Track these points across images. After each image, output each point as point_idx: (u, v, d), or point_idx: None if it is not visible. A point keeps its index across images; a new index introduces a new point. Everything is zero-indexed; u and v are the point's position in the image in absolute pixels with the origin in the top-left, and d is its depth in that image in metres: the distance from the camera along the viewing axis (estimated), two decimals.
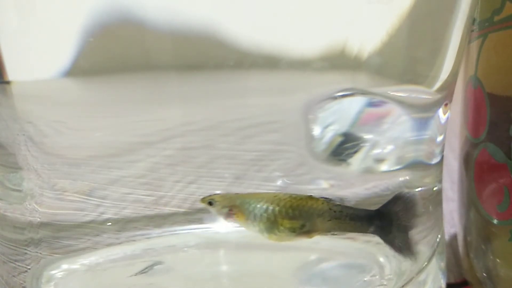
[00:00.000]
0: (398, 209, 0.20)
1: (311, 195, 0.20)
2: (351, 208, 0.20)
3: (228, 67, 0.19)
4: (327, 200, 0.20)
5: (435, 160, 0.23)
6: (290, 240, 0.20)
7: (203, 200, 0.21)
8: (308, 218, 0.20)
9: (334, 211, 0.20)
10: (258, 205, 0.20)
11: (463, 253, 0.26)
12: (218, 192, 0.22)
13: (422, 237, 0.23)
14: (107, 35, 0.19)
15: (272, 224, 0.20)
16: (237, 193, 0.21)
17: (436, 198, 0.24)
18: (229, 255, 0.23)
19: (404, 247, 0.21)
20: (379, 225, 0.20)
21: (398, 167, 0.22)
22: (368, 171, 0.22)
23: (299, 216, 0.20)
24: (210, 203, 0.21)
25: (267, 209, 0.20)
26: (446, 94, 0.22)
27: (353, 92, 0.21)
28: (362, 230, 0.20)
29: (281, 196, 0.20)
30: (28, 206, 0.22)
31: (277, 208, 0.20)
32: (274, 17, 0.19)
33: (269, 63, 0.19)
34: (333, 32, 0.20)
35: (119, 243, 0.22)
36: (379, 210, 0.20)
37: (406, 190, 0.22)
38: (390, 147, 0.22)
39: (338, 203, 0.20)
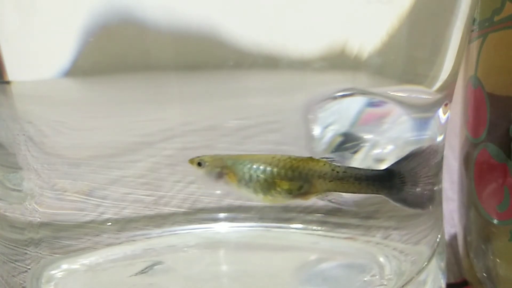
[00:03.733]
0: (413, 165, 0.20)
1: (311, 157, 0.20)
2: (356, 168, 0.20)
3: (228, 67, 0.19)
4: (329, 161, 0.19)
5: (435, 160, 0.23)
6: (285, 201, 0.20)
7: (191, 160, 0.20)
8: (307, 180, 0.19)
9: (337, 172, 0.19)
10: (254, 166, 0.20)
11: (463, 253, 0.26)
12: (218, 191, 0.22)
13: (422, 237, 0.23)
14: (107, 35, 0.19)
15: (269, 185, 0.19)
16: (229, 154, 0.20)
17: (436, 198, 0.24)
18: (229, 255, 0.23)
19: (418, 201, 0.20)
20: (388, 185, 0.20)
21: None
22: None
23: (298, 177, 0.19)
24: (200, 164, 0.20)
25: (264, 170, 0.19)
26: (446, 94, 0.22)
27: (353, 92, 0.21)
28: (368, 190, 0.20)
29: (279, 157, 0.20)
30: (28, 206, 0.22)
31: (275, 169, 0.19)
32: (274, 17, 0.19)
33: (269, 63, 0.19)
34: (333, 32, 0.20)
35: (119, 243, 0.22)
36: (389, 169, 0.20)
37: (422, 146, 0.21)
38: (390, 147, 0.22)
39: (341, 164, 0.20)
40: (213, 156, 0.20)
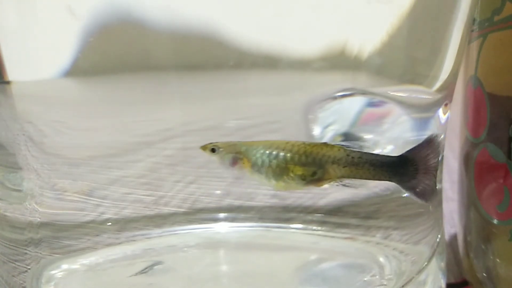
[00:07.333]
0: (426, 153, 0.20)
1: (325, 142, 0.19)
2: (371, 154, 0.19)
3: (228, 67, 0.19)
4: (344, 146, 0.19)
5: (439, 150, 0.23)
6: (298, 188, 0.20)
7: (203, 147, 0.20)
8: (321, 165, 0.19)
9: (352, 157, 0.19)
10: (268, 151, 0.19)
11: (463, 253, 0.27)
12: (218, 191, 0.22)
13: (422, 237, 0.23)
14: (107, 35, 0.19)
15: (282, 171, 0.19)
16: (241, 141, 0.20)
17: (436, 198, 0.24)
18: (229, 255, 0.23)
19: (427, 191, 0.20)
20: (401, 171, 0.20)
21: None
22: None
23: (312, 163, 0.19)
24: (213, 150, 0.20)
25: (277, 155, 0.19)
26: (446, 94, 0.22)
27: (353, 92, 0.21)
28: (382, 177, 0.20)
29: (293, 142, 0.19)
30: (28, 206, 0.22)
31: (289, 154, 0.19)
32: (274, 17, 0.19)
33: (269, 63, 0.19)
34: (333, 32, 0.20)
35: (119, 243, 0.22)
36: (403, 156, 0.20)
37: (432, 134, 0.21)
38: (390, 147, 0.22)
39: (356, 149, 0.19)
40: (226, 142, 0.20)
